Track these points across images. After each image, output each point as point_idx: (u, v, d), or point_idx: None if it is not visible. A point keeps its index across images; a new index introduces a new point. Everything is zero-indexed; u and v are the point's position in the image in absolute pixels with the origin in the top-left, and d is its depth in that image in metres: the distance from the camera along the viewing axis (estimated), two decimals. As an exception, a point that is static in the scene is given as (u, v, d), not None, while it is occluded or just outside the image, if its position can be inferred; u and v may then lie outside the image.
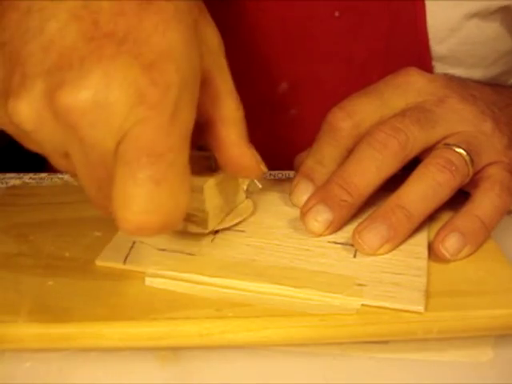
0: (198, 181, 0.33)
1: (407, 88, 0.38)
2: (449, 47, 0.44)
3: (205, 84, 0.28)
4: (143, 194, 0.25)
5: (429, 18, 0.43)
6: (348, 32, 0.46)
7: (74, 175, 0.29)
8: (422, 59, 0.45)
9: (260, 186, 0.38)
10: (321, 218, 0.34)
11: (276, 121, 0.51)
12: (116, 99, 0.24)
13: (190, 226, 0.34)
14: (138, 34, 0.25)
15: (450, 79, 0.40)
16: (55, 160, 0.28)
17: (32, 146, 0.28)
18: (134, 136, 0.24)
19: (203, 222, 0.34)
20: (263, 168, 0.33)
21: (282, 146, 0.49)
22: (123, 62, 0.24)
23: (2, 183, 0.44)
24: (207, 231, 0.34)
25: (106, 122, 0.24)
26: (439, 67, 0.45)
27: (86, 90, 0.24)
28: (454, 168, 0.34)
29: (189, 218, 0.34)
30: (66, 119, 0.25)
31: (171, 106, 0.25)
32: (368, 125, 0.36)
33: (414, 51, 0.45)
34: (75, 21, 0.25)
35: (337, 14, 0.45)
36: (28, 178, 0.46)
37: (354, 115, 0.37)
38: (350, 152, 0.36)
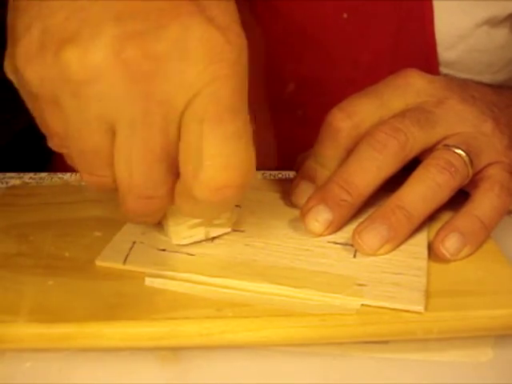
0: None
1: (407, 89, 0.38)
2: (457, 53, 0.45)
3: None
4: (228, 150, 0.25)
5: (439, 24, 0.43)
6: (356, 34, 0.46)
7: (101, 164, 0.26)
8: (429, 63, 0.45)
9: None
10: (321, 218, 0.34)
11: (281, 121, 0.51)
12: (194, 53, 0.24)
13: (212, 230, 0.34)
14: (210, 0, 0.25)
15: (450, 80, 0.40)
16: (90, 133, 0.26)
17: (56, 119, 0.26)
18: (214, 93, 0.24)
19: (227, 221, 0.34)
20: None
21: (286, 147, 0.50)
22: (201, 21, 0.24)
23: (2, 183, 0.44)
24: (230, 229, 0.34)
25: (181, 75, 0.24)
26: (447, 73, 0.45)
27: (165, 40, 0.24)
28: (453, 169, 0.34)
29: (210, 223, 0.34)
30: (138, 69, 0.24)
31: (244, 66, 0.25)
32: (368, 125, 0.36)
33: (421, 55, 0.45)
34: None
35: (345, 15, 0.45)
36: (28, 177, 0.45)
37: (354, 116, 0.37)
38: (350, 152, 0.36)
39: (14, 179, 0.45)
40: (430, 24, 0.43)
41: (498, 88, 0.42)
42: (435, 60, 0.45)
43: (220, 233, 0.34)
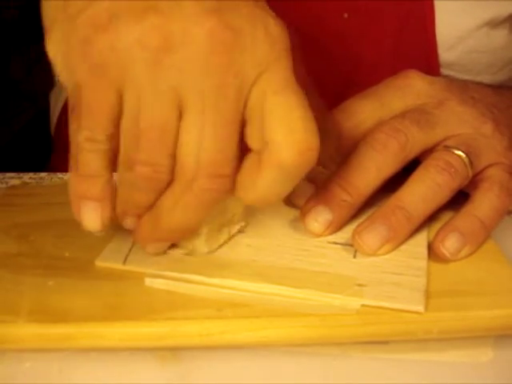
0: None
1: (407, 90, 0.38)
2: (457, 54, 0.45)
3: None
4: (307, 114, 0.27)
5: (439, 25, 0.44)
6: (356, 34, 0.46)
7: (163, 147, 0.26)
8: (429, 64, 0.45)
9: None
10: (321, 218, 0.34)
11: None
12: (260, 34, 0.27)
13: (232, 228, 0.34)
14: None
15: (450, 82, 0.40)
16: (159, 106, 0.26)
17: (110, 95, 0.25)
18: (279, 69, 0.27)
19: (241, 218, 0.34)
20: None
21: None
22: (259, 8, 0.27)
23: (2, 183, 0.44)
24: (244, 222, 0.35)
25: (254, 50, 0.26)
26: (446, 73, 0.45)
27: (239, 17, 0.26)
28: (453, 170, 0.34)
29: (230, 222, 0.34)
30: (220, 39, 0.25)
31: (290, 50, 0.28)
32: (368, 126, 0.37)
33: (422, 56, 0.45)
34: None
35: (346, 15, 0.45)
36: (28, 177, 0.45)
37: (354, 117, 0.37)
38: (350, 153, 0.36)
39: (13, 179, 0.45)
40: (431, 24, 0.44)
41: (498, 88, 0.42)
42: (436, 61, 0.45)
43: (237, 229, 0.35)
